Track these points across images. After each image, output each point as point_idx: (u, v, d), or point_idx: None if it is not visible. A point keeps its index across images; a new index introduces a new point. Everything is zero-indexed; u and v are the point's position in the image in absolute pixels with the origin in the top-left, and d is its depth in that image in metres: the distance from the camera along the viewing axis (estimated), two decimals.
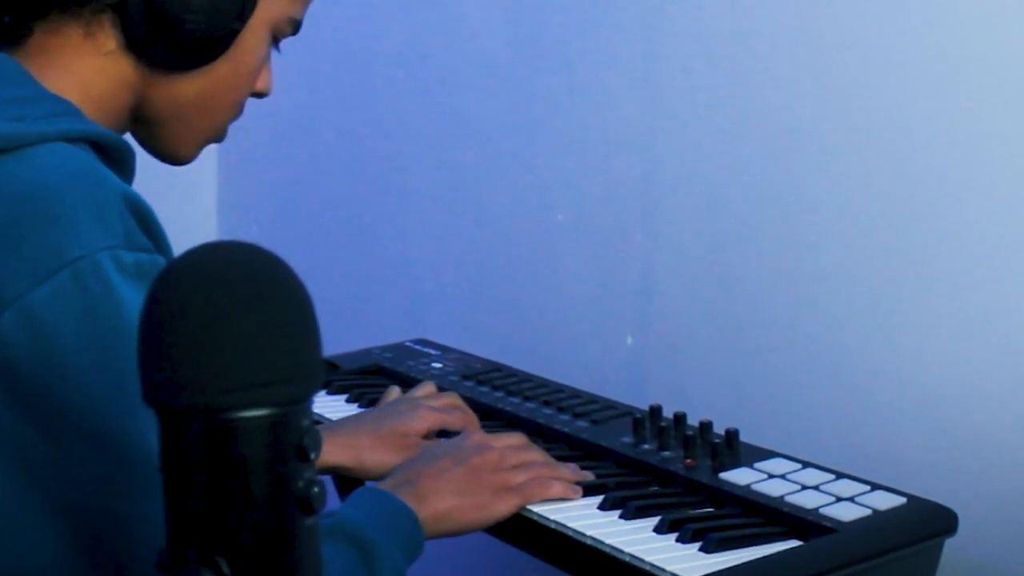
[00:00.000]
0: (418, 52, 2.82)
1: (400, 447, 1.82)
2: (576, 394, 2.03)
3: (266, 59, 1.54)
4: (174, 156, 1.56)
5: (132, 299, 1.25)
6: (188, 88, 1.48)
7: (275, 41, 1.55)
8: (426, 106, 2.81)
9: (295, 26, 1.55)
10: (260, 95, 1.57)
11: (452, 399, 1.95)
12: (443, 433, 1.87)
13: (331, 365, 2.20)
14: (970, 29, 1.88)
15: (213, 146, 1.59)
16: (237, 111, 1.56)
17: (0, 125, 1.31)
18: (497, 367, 2.18)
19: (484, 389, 2.08)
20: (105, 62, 1.45)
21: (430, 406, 1.90)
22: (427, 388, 1.99)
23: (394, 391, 1.99)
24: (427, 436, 1.85)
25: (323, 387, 2.09)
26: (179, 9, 1.41)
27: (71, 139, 1.35)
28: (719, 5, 2.21)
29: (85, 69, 1.44)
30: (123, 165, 1.42)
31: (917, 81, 1.94)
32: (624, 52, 2.37)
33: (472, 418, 1.92)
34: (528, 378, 2.12)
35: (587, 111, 2.45)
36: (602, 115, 2.42)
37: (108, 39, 1.44)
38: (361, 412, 1.93)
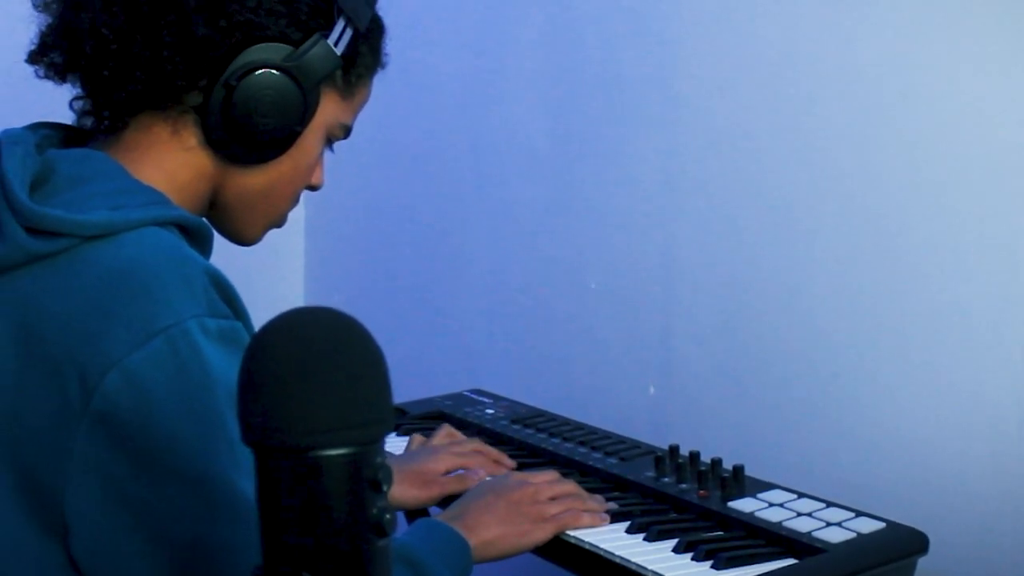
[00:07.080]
0: (472, 144, 2.83)
1: (422, 484, 1.84)
2: (607, 435, 2.03)
3: (320, 158, 1.54)
4: (242, 238, 1.55)
5: (216, 359, 1.26)
6: (255, 180, 1.48)
7: (329, 143, 1.54)
8: (479, 190, 2.82)
9: (346, 131, 1.54)
10: (313, 188, 1.57)
11: (476, 445, 1.95)
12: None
13: (400, 411, 2.20)
14: (956, 122, 1.88)
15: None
16: (295, 201, 1.55)
17: (103, 214, 1.32)
18: (541, 413, 2.18)
19: (530, 431, 2.08)
20: (188, 156, 1.45)
21: (451, 451, 1.90)
22: (445, 430, 1.99)
23: (417, 439, 1.99)
24: (447, 473, 1.86)
25: (393, 430, 2.09)
26: (251, 113, 1.41)
27: (161, 223, 1.35)
28: (727, 103, 2.22)
29: (171, 162, 1.44)
30: (204, 244, 1.42)
31: (892, 169, 1.95)
32: (646, 143, 2.38)
33: (488, 460, 1.91)
34: (567, 422, 2.12)
35: (615, 194, 2.45)
36: (628, 197, 2.43)
37: (190, 136, 1.44)
38: (390, 457, 1.92)
